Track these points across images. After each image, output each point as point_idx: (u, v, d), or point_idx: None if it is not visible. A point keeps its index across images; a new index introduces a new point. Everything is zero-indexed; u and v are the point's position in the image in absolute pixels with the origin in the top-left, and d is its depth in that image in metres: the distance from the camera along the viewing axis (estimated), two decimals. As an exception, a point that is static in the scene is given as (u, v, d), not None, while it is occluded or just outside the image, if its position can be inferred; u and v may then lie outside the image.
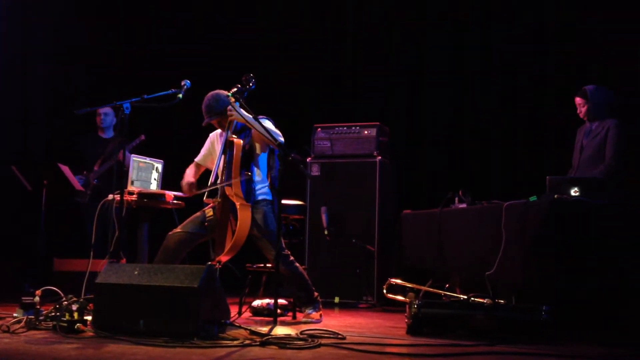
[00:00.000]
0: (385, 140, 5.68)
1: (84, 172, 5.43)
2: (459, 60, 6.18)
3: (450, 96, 6.18)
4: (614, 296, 3.74)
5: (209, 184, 4.05)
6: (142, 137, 5.44)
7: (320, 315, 4.14)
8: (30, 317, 3.50)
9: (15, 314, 3.67)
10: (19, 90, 6.47)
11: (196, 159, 4.34)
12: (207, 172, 4.36)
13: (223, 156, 4.03)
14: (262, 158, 4.17)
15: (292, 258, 4.08)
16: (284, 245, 4.07)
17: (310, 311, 4.11)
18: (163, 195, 4.53)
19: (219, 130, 4.30)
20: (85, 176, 5.42)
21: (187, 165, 4.34)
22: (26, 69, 6.54)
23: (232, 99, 3.88)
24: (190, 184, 4.13)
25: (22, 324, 3.43)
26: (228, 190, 3.95)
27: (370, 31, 6.53)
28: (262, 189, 4.14)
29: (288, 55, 6.80)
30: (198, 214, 4.10)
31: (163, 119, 5.95)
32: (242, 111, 3.93)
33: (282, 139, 3.99)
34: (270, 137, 3.84)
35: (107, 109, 5.62)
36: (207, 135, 4.38)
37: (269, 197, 4.14)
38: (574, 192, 3.92)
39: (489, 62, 6.05)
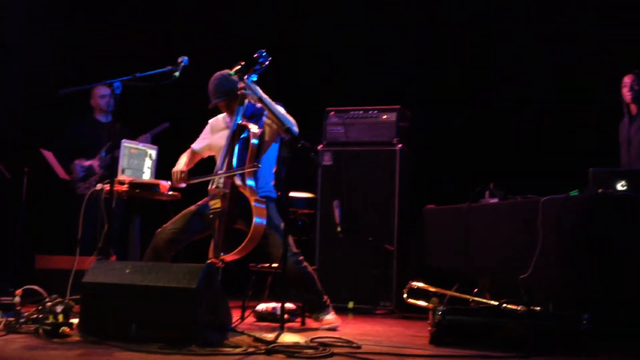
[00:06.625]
0: (406, 126, 5.67)
1: (83, 161, 5.43)
2: (487, 35, 6.15)
3: (478, 78, 6.16)
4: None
5: (214, 172, 4.06)
6: (167, 124, 5.46)
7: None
8: (9, 319, 3.54)
9: (-8, 316, 3.70)
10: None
11: (193, 146, 4.36)
12: (203, 161, 4.39)
13: (231, 143, 4.03)
14: (273, 148, 4.17)
15: (302, 258, 4.09)
16: (293, 244, 4.08)
17: (327, 317, 4.12)
18: (157, 185, 4.55)
19: (220, 116, 4.31)
20: (89, 165, 5.41)
21: (182, 152, 4.36)
22: (3, 39, 6.55)
23: (236, 77, 3.89)
24: (181, 173, 4.14)
25: (1, 326, 3.47)
26: (238, 182, 3.95)
27: (387, 4, 6.51)
28: (267, 185, 4.15)
29: (297, 32, 6.79)
30: (192, 207, 4.12)
31: (156, 100, 6.00)
32: (258, 89, 3.93)
33: (296, 128, 3.99)
34: (279, 122, 3.84)
35: (107, 90, 5.58)
36: (206, 120, 4.40)
37: (273, 195, 4.16)
38: (621, 186, 3.91)
39: (521, 40, 6.02)
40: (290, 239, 4.05)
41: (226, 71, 4.10)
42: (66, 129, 5.65)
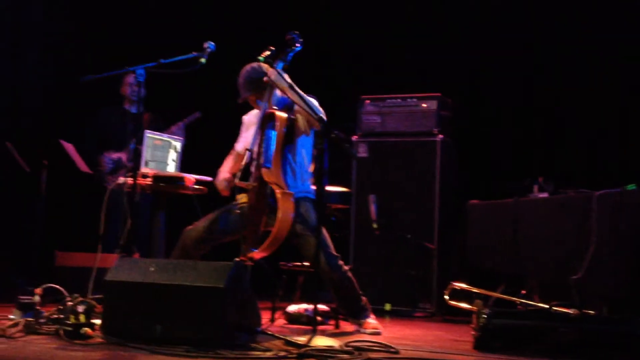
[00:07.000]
0: (447, 115, 5.63)
1: (112, 154, 5.48)
2: (536, 19, 6.06)
3: (525, 60, 6.08)
4: None
5: (242, 164, 4.06)
6: (198, 114, 5.50)
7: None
8: (29, 319, 3.58)
9: (11, 316, 3.73)
10: (11, 51, 6.55)
11: (236, 146, 4.35)
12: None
13: (260, 133, 4.03)
14: (307, 143, 4.16)
15: (341, 262, 4.07)
16: (332, 247, 4.05)
17: (370, 320, 4.12)
18: (182, 178, 4.58)
19: (252, 112, 4.31)
20: (118, 157, 5.46)
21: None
22: (19, 25, 6.62)
23: (266, 65, 3.88)
24: (227, 181, 4.11)
25: (20, 327, 3.51)
26: (266, 174, 3.95)
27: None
28: (305, 184, 4.13)
29: (330, 14, 6.77)
30: (226, 207, 4.12)
31: (186, 88, 6.04)
32: (280, 77, 3.91)
33: (323, 116, 3.99)
34: (309, 110, 3.83)
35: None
36: (236, 110, 4.40)
37: (312, 196, 4.13)
38: (683, 179, 3.85)
39: (572, 27, 5.93)
40: (330, 242, 4.04)
41: (256, 64, 4.09)
42: (94, 119, 5.71)
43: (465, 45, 6.27)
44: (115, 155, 5.46)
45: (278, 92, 4.08)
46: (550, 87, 6.01)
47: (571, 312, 3.63)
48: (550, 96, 6.01)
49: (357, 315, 4.15)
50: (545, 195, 4.52)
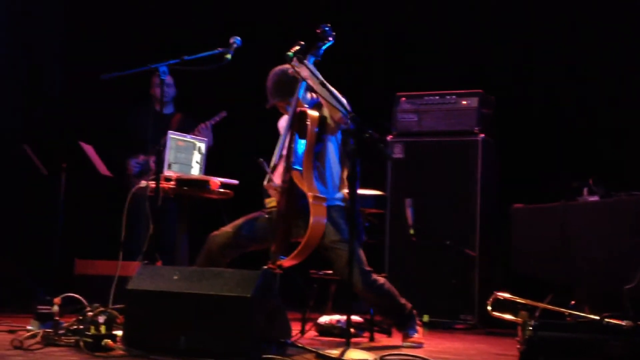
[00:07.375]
0: (489, 113, 5.60)
1: (140, 157, 5.53)
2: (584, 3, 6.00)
3: (573, 54, 6.02)
4: None
5: (271, 166, 4.06)
6: (224, 113, 5.53)
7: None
8: (47, 330, 3.63)
9: (29, 327, 3.81)
10: (26, 51, 6.62)
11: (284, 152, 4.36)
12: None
13: (289, 133, 4.02)
14: (335, 143, 4.13)
15: (374, 277, 4.03)
16: (364, 259, 4.03)
17: (411, 332, 4.11)
18: (207, 182, 4.61)
19: (285, 116, 4.31)
20: (144, 160, 5.51)
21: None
22: (34, 25, 6.69)
23: (295, 61, 3.88)
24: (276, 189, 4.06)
25: (38, 338, 3.54)
26: (296, 176, 3.95)
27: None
28: (335, 190, 4.11)
29: (363, 7, 6.76)
30: (256, 213, 4.12)
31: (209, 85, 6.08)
32: (311, 73, 3.89)
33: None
34: (340, 108, 3.83)
35: (168, 79, 5.63)
36: (265, 110, 4.41)
37: (342, 204, 4.09)
38: None
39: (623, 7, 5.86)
40: (362, 255, 4.01)
41: (285, 66, 4.09)
42: (122, 119, 5.77)
43: (507, 39, 6.23)
44: (142, 158, 5.51)
45: (308, 94, 4.09)
46: (601, 83, 5.94)
47: (624, 324, 3.57)
48: (601, 93, 5.94)
49: (402, 326, 4.15)
50: (595, 198, 4.47)
